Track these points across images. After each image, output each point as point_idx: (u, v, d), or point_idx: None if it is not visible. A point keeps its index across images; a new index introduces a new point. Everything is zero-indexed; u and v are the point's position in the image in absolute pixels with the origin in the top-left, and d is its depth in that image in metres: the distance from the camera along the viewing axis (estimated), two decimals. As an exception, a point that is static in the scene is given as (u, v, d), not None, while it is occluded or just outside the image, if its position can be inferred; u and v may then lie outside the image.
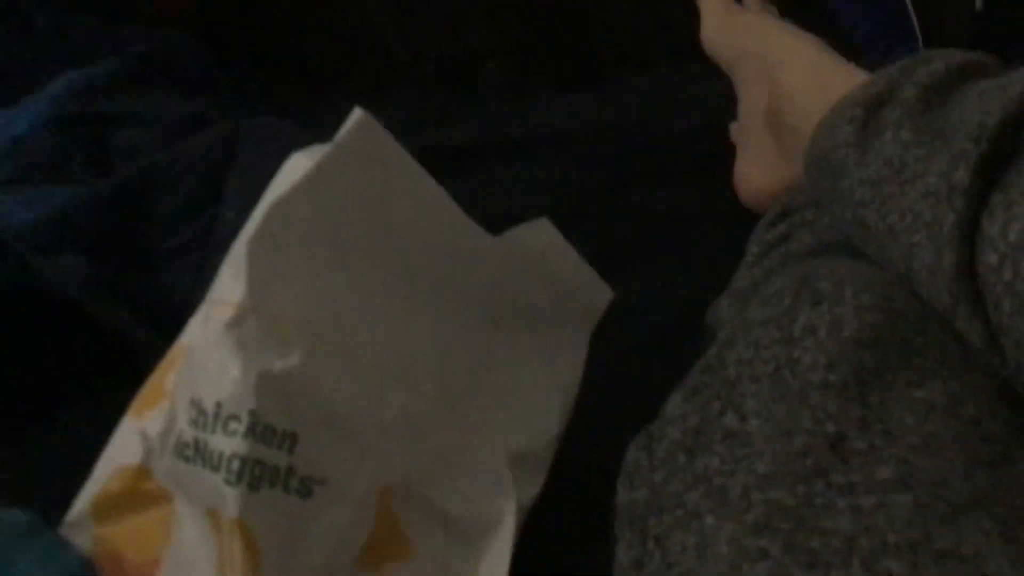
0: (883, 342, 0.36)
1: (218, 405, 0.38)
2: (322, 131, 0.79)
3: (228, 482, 0.38)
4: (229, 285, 0.40)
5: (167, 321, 0.56)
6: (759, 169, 0.66)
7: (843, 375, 0.35)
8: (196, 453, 0.39)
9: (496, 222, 0.72)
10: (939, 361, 0.36)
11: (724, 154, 0.70)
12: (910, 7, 1.24)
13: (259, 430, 0.38)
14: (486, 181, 0.80)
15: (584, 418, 0.48)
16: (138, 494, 0.42)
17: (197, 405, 0.39)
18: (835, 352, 0.36)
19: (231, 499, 0.37)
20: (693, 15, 0.76)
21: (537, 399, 0.46)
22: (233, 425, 0.38)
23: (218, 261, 0.61)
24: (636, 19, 1.11)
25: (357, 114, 0.40)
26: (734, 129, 0.71)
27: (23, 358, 0.57)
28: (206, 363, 0.39)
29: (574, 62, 1.08)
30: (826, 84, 0.55)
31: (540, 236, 0.46)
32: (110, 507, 0.43)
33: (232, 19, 1.13)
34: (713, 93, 0.75)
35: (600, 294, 0.49)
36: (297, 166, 0.42)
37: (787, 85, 0.60)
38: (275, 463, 0.38)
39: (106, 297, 0.53)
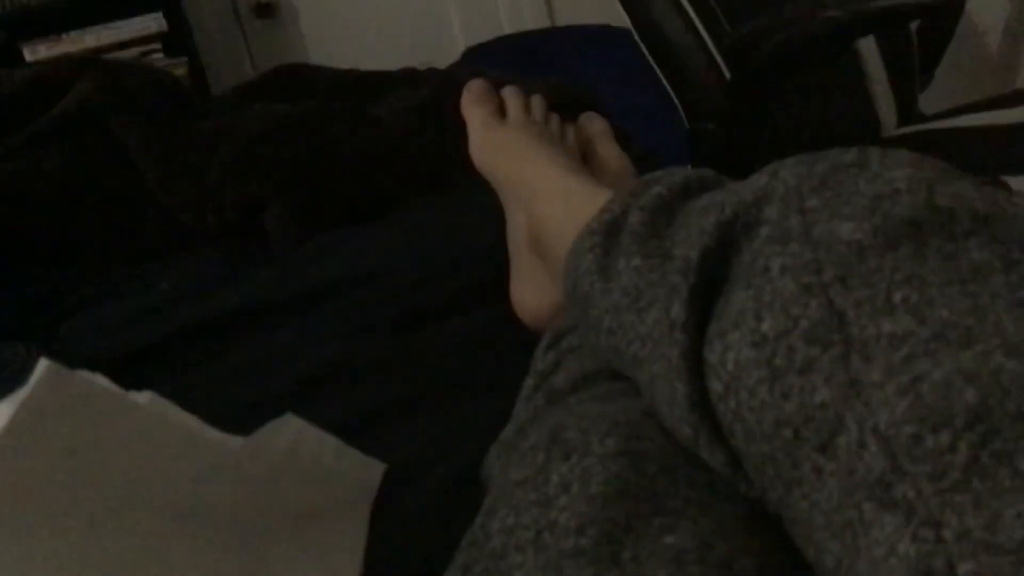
0: (631, 491, 0.35)
1: None
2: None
3: None
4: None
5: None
6: (531, 291, 0.66)
7: (594, 538, 0.34)
8: None
9: (289, 385, 0.70)
10: (687, 499, 0.36)
11: (507, 276, 0.70)
12: (669, 88, 1.30)
13: None
14: (277, 338, 0.77)
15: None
16: None
17: None
18: (585, 512, 0.35)
19: None
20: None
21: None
22: None
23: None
24: (419, 142, 1.12)
25: (43, 365, 0.37)
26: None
27: None
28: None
29: (363, 193, 1.07)
30: (575, 210, 0.55)
31: (288, 430, 0.44)
32: None
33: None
34: (498, 210, 0.74)
35: (369, 470, 0.47)
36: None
37: (541, 212, 0.60)
38: None
39: None
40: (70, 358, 0.62)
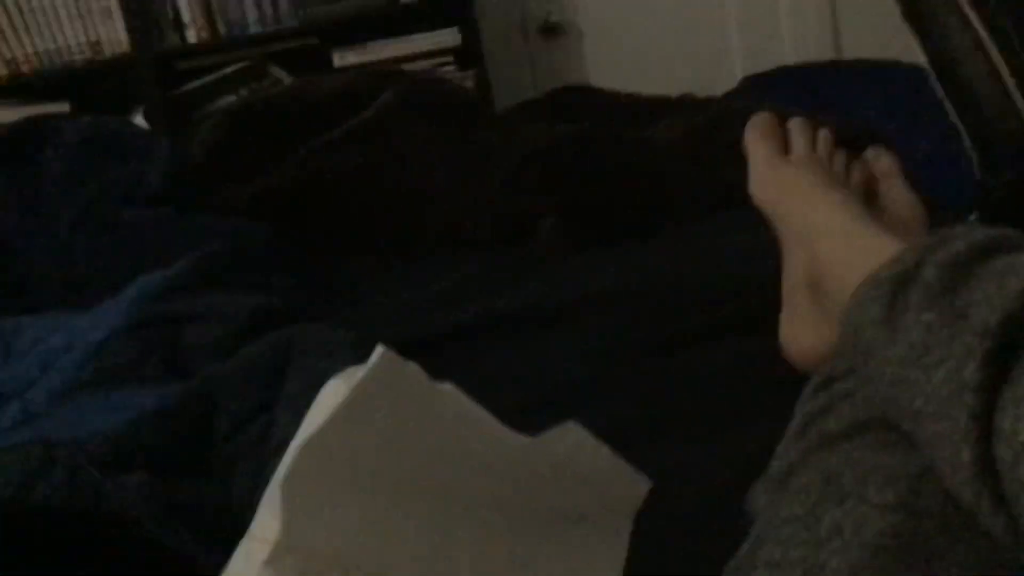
0: (906, 546, 0.36)
1: (261, 643, 0.40)
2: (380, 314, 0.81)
3: None
4: (266, 523, 0.42)
5: (230, 527, 0.58)
6: (804, 330, 0.66)
7: None
8: None
9: (543, 392, 0.74)
10: (964, 563, 0.35)
11: (771, 310, 0.70)
12: (964, 134, 1.24)
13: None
14: (534, 349, 0.81)
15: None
16: None
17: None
18: (857, 559, 0.36)
19: None
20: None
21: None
22: (275, 663, 0.39)
23: (273, 469, 0.63)
24: (688, 170, 1.13)
25: (380, 351, 0.42)
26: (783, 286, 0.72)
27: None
28: (248, 601, 0.41)
29: (626, 216, 1.11)
30: (859, 256, 0.55)
31: (569, 437, 0.47)
32: None
33: (296, 202, 1.19)
34: (763, 243, 0.75)
35: (637, 485, 0.49)
36: (328, 396, 0.44)
37: (823, 254, 0.60)
38: None
39: (167, 518, 0.56)
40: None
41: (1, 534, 0.63)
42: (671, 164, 1.21)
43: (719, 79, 2.10)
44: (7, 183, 1.22)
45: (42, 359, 0.91)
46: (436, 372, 0.72)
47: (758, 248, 0.77)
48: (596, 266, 0.98)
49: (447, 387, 0.46)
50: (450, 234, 1.17)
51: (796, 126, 0.75)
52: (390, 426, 0.43)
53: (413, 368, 0.44)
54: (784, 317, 0.68)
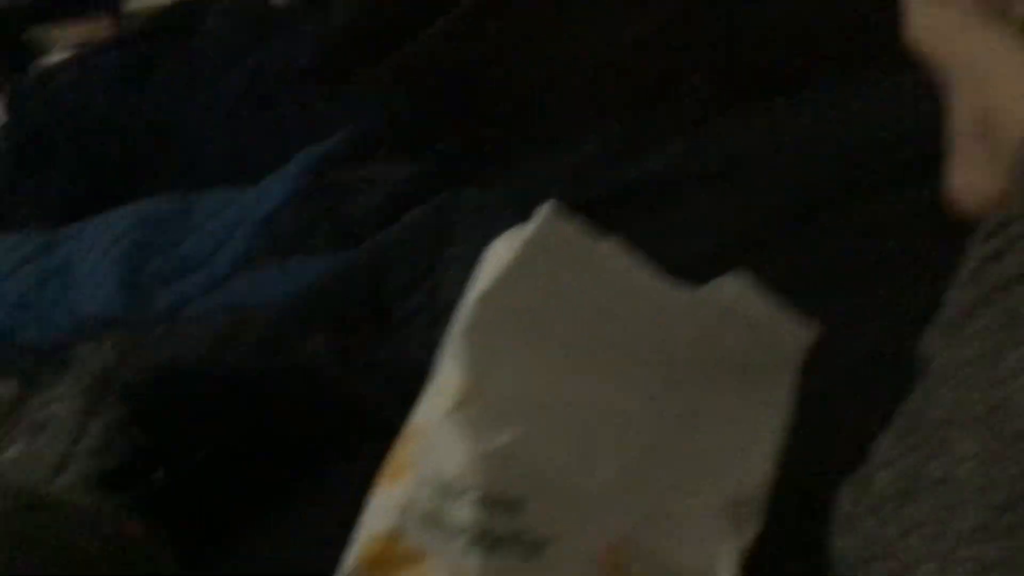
0: None
1: (450, 481, 0.44)
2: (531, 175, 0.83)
3: (467, 548, 0.43)
4: (450, 372, 0.45)
5: (403, 384, 0.63)
6: (974, 175, 0.63)
7: None
8: (437, 522, 0.44)
9: (703, 248, 0.74)
10: None
11: (931, 161, 0.68)
12: None
13: (488, 501, 0.43)
14: (688, 208, 0.81)
15: (791, 455, 0.49)
16: (394, 556, 0.48)
17: (434, 481, 0.44)
18: None
19: (472, 564, 0.42)
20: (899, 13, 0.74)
21: (747, 447, 0.47)
22: (465, 498, 0.43)
23: (444, 324, 0.67)
24: (838, 20, 1.08)
25: (546, 209, 0.44)
26: (947, 134, 0.69)
27: (281, 427, 0.66)
28: (437, 443, 0.45)
29: (779, 68, 1.07)
30: None
31: (733, 288, 0.48)
32: (374, 567, 0.49)
33: (441, 72, 1.20)
34: (918, 94, 0.73)
35: (800, 336, 0.50)
36: (498, 253, 0.46)
37: (996, 97, 0.58)
38: (505, 529, 0.43)
39: (356, 373, 0.60)
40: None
41: (197, 394, 0.69)
42: (819, 14, 1.16)
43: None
44: (169, 63, 1.27)
45: (216, 234, 0.97)
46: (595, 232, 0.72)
47: (916, 100, 0.74)
48: (738, 127, 0.96)
49: (611, 244, 0.47)
50: (598, 97, 1.17)
51: None
52: (559, 281, 0.45)
53: (579, 225, 0.45)
54: (952, 164, 0.66)
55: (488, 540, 0.42)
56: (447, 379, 0.45)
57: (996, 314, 0.40)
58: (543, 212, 0.44)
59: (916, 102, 0.73)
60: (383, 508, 0.49)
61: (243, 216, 0.98)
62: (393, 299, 0.69)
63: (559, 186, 0.87)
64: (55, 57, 1.45)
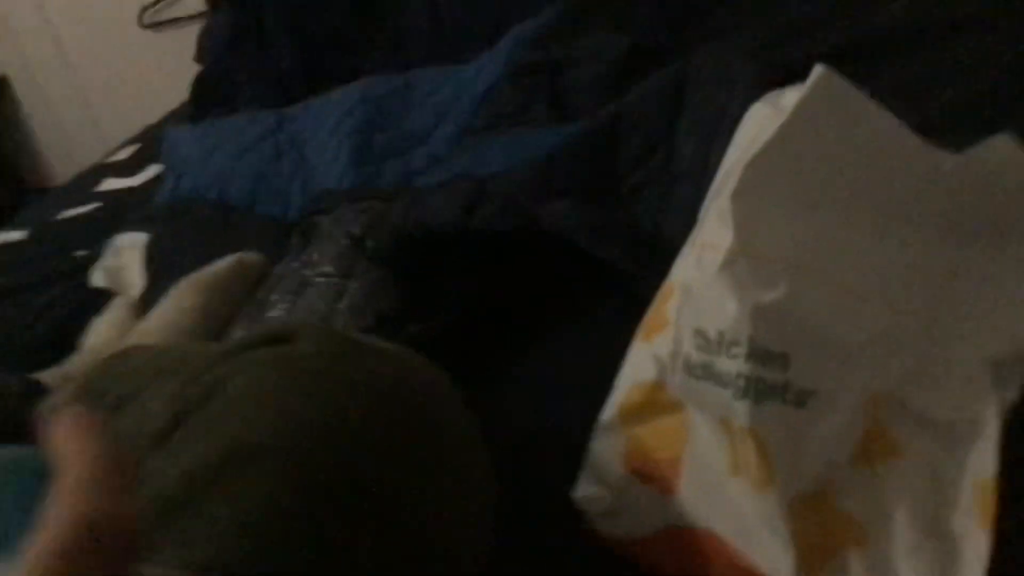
0: None
1: (720, 334, 0.46)
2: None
3: (736, 397, 0.45)
4: (718, 232, 0.47)
5: (634, 250, 0.65)
6: None
7: None
8: (705, 372, 0.47)
9: (938, 111, 0.72)
10: None
11: None
12: None
13: (757, 353, 0.45)
14: (932, 61, 0.79)
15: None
16: (656, 404, 0.51)
17: (702, 334, 0.47)
18: None
19: (741, 411, 0.45)
20: None
21: (1013, 307, 0.48)
22: (735, 350, 0.45)
23: (678, 193, 0.69)
24: None
25: (819, 71, 0.45)
26: None
27: (525, 286, 0.69)
28: (705, 299, 0.47)
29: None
30: None
31: (998, 151, 0.47)
32: (634, 414, 0.52)
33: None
34: None
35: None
36: (763, 114, 0.47)
37: None
38: (773, 380, 0.45)
39: (599, 237, 0.63)
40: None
41: (445, 256, 0.74)
42: None
43: None
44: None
45: (437, 109, 1.01)
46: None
47: None
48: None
49: (879, 105, 0.47)
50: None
51: None
52: (828, 143, 0.46)
53: (851, 87, 0.46)
54: None
55: (758, 389, 0.45)
56: (713, 238, 0.47)
57: None
58: (815, 75, 0.45)
59: None
60: (644, 359, 0.52)
61: (460, 93, 1.01)
62: (626, 168, 0.71)
63: (790, 43, 0.86)
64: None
